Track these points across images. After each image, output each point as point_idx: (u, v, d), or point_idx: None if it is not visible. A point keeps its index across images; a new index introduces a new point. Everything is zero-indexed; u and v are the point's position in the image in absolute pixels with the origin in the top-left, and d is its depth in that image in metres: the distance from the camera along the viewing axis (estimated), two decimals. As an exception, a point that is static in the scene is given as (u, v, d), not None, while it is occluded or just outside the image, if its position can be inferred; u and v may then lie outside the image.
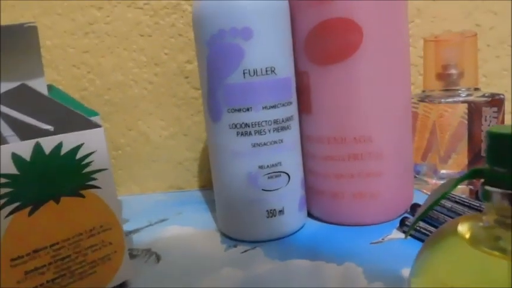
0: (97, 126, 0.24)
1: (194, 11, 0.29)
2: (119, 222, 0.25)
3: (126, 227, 0.36)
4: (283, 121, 0.29)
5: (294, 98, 0.30)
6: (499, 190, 0.14)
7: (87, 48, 0.44)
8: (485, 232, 0.15)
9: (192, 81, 0.44)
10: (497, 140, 0.14)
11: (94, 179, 0.23)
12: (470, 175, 0.15)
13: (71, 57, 0.44)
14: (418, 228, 0.28)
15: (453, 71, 0.35)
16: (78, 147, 0.23)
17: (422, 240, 0.28)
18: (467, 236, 0.15)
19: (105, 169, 0.24)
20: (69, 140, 0.22)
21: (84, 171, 0.23)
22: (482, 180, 0.15)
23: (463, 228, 0.16)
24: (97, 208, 0.24)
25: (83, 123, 0.24)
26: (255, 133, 0.28)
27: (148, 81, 0.44)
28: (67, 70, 0.44)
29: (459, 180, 0.15)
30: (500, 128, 0.14)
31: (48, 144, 0.22)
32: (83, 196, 0.23)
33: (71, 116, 0.24)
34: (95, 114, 0.35)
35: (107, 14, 0.43)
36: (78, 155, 0.23)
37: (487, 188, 0.14)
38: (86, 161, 0.23)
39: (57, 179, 0.22)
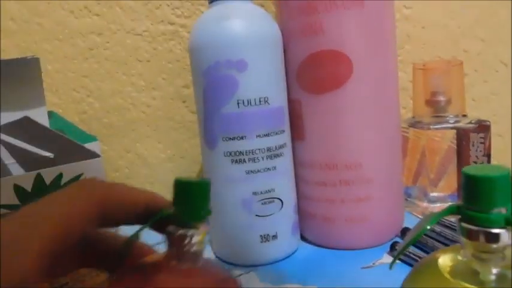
0: (96, 156, 0.25)
1: (191, 41, 0.31)
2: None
3: (123, 250, 0.36)
4: (276, 148, 0.30)
5: (286, 126, 0.32)
6: (474, 227, 0.15)
7: (87, 73, 0.45)
8: (464, 266, 0.16)
9: (190, 105, 0.45)
10: (471, 180, 0.15)
11: (92, 207, 0.24)
12: (448, 212, 0.16)
13: (71, 81, 0.45)
14: (407, 253, 0.29)
15: (441, 98, 0.37)
16: (78, 177, 0.24)
17: (411, 265, 0.28)
18: (448, 269, 0.16)
19: (104, 198, 0.25)
20: (69, 170, 0.23)
21: (83, 200, 0.24)
22: (459, 216, 0.16)
23: (444, 261, 0.17)
24: (95, 236, 0.24)
25: (82, 153, 0.25)
26: (248, 160, 0.29)
27: (146, 105, 0.45)
28: (67, 94, 0.45)
29: (437, 217, 0.16)
30: (476, 169, 0.15)
31: (48, 174, 0.23)
32: (81, 225, 0.24)
33: (70, 146, 0.25)
34: (94, 139, 0.36)
35: (107, 40, 0.44)
36: (78, 185, 0.24)
37: (463, 224, 0.15)
38: (85, 190, 0.24)
39: (57, 208, 0.23)
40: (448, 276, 0.16)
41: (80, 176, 0.24)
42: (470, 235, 0.15)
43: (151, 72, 0.45)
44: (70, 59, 0.45)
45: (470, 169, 0.15)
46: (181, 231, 0.17)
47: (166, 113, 0.45)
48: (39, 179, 0.22)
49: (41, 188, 0.22)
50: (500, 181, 0.15)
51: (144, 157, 0.46)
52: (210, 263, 0.19)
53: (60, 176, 0.23)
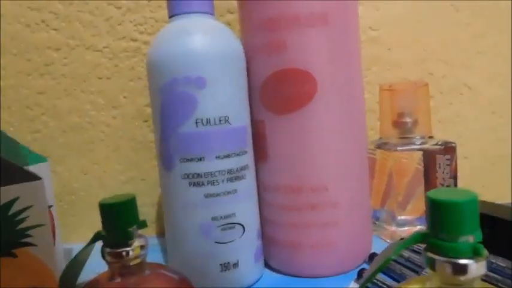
0: (36, 178, 0.22)
1: (149, 58, 0.29)
2: (57, 282, 0.23)
3: (73, 281, 0.33)
4: (237, 170, 0.28)
5: (249, 147, 0.30)
6: (442, 258, 0.14)
7: (42, 90, 0.42)
8: (430, 299, 0.15)
9: (152, 124, 0.43)
10: (436, 205, 0.14)
11: (29, 235, 0.22)
12: (413, 240, 0.15)
13: (24, 98, 0.42)
14: (374, 281, 0.27)
15: (407, 119, 0.36)
16: (12, 201, 0.21)
17: (379, 293, 0.27)
18: (414, 303, 0.15)
19: (43, 225, 0.22)
20: (2, 194, 0.21)
21: (18, 227, 0.21)
22: (424, 245, 0.15)
23: (409, 295, 0.15)
24: (32, 268, 0.22)
25: (19, 175, 0.22)
26: (207, 183, 0.27)
27: (105, 124, 0.43)
28: (20, 111, 0.42)
29: (402, 246, 0.15)
30: (441, 193, 0.14)
31: (-23, 199, 0.20)
32: (14, 256, 0.21)
33: (6, 167, 0.23)
34: (43, 160, 0.33)
35: (65, 55, 0.42)
36: (12, 210, 0.21)
37: (428, 254, 0.14)
38: (21, 216, 0.21)
39: (-15, 238, 0.20)
40: (414, 311, 0.15)
41: (15, 200, 0.21)
42: (436, 266, 0.14)
43: (112, 90, 0.43)
44: (24, 74, 0.42)
45: (435, 193, 0.14)
46: (111, 251, 0.18)
47: (126, 133, 0.43)
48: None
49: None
50: (467, 206, 0.13)
51: (102, 179, 0.43)
52: (162, 270, 0.20)
53: (-9, 200, 0.20)
